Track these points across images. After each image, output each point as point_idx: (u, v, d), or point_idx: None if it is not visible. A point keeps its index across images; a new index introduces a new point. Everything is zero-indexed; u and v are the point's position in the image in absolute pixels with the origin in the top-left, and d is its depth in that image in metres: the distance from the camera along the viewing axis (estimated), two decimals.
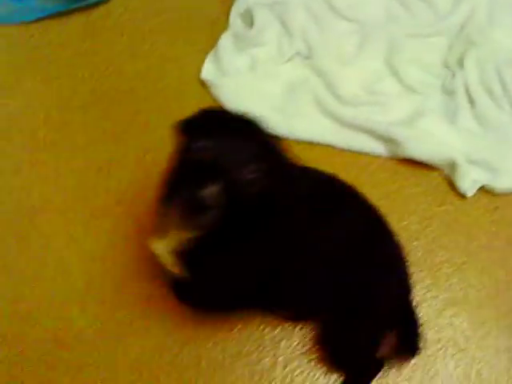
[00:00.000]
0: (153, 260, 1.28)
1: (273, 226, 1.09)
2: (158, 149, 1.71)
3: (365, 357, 1.34)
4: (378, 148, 1.75)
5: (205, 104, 1.79)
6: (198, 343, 1.43)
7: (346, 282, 1.26)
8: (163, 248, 1.16)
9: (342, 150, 1.77)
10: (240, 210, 1.00)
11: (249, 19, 1.98)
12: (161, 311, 1.47)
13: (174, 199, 0.99)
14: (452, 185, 1.73)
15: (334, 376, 1.43)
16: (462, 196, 1.71)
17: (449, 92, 1.85)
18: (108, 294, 1.49)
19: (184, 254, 1.12)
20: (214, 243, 1.05)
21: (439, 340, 1.49)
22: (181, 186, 0.98)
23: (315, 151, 1.75)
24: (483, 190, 1.73)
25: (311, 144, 1.76)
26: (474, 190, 1.70)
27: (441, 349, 1.49)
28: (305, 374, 1.44)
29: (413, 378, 1.45)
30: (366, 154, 1.76)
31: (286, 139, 1.73)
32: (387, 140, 1.72)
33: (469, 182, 1.68)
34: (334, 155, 1.75)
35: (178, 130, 1.11)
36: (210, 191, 0.93)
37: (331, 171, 1.68)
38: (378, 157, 1.77)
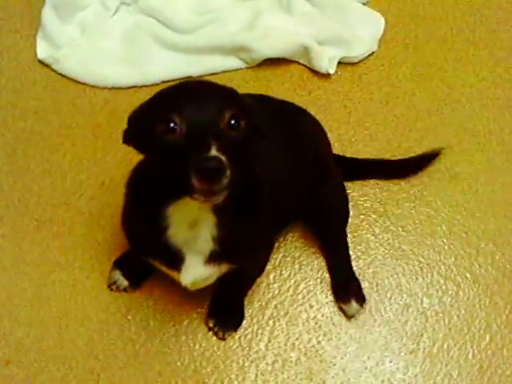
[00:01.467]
0: None
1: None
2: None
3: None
4: (232, 62, 1.83)
5: (54, 85, 1.86)
6: None
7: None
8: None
9: (200, 77, 1.81)
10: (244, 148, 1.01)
11: None
12: None
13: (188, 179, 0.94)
14: (313, 71, 1.83)
15: None
16: (326, 77, 1.82)
17: None
18: None
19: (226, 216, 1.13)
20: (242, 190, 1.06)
21: None
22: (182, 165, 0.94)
23: None
24: (342, 64, 1.85)
25: (168, 82, 1.69)
26: (334, 67, 1.81)
27: None
28: None
29: None
30: (225, 73, 1.83)
31: (140, 87, 1.80)
32: (238, 50, 1.80)
33: (326, 61, 1.78)
34: None
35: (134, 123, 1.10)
36: (215, 147, 0.92)
37: None
38: (236, 71, 1.84)
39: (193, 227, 1.13)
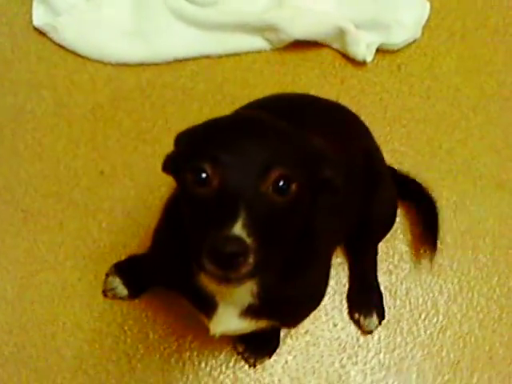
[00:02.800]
0: None
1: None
2: None
3: None
4: (256, 42, 1.75)
5: (50, 56, 1.76)
6: None
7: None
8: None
9: (220, 58, 1.75)
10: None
11: None
12: None
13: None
14: (347, 57, 1.76)
15: None
16: (362, 65, 1.74)
17: None
18: None
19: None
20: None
21: None
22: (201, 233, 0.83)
23: (188, 68, 1.73)
24: (380, 51, 1.77)
25: (182, 61, 1.74)
26: (372, 54, 1.73)
27: None
28: None
29: None
30: (247, 53, 1.76)
31: (149, 64, 1.72)
32: (264, 29, 1.72)
33: (363, 46, 1.70)
34: (213, 66, 1.74)
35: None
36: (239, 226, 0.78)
37: (215, 84, 1.68)
38: (260, 52, 1.76)
39: None
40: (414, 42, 1.82)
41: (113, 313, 1.47)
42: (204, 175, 0.83)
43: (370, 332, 1.48)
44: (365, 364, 1.46)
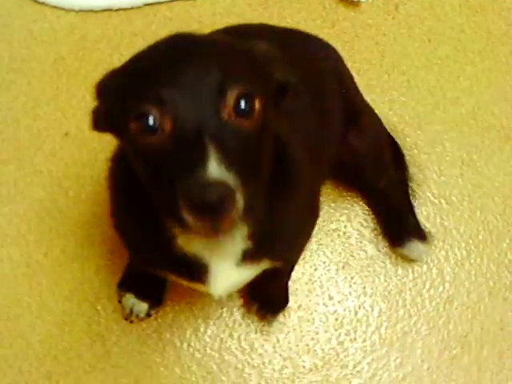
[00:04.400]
0: None
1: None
2: None
3: None
4: None
5: (4, 4, 1.63)
6: None
7: None
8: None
9: (196, 0, 1.64)
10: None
11: None
12: None
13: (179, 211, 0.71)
14: None
15: None
16: (355, 5, 1.64)
17: None
18: None
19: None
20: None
21: None
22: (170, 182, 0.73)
23: (161, 13, 1.62)
24: None
25: (153, 6, 1.63)
26: None
27: None
28: None
29: None
30: None
31: (116, 10, 1.62)
32: None
33: None
34: (188, 10, 1.63)
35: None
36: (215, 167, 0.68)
37: (191, 30, 1.55)
38: None
39: None
40: None
41: (84, 291, 1.40)
42: (152, 121, 0.72)
43: (422, 259, 1.42)
44: (364, 340, 1.39)
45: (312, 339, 1.39)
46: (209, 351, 1.37)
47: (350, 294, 1.42)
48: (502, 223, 1.48)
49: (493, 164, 1.54)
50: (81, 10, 1.63)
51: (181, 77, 0.73)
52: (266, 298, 1.37)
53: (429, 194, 1.51)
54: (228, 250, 0.93)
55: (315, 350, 1.38)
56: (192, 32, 0.84)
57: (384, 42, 1.64)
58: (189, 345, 1.37)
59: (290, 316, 1.39)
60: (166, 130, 0.73)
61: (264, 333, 1.38)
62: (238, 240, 0.91)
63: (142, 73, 0.76)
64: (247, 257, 0.95)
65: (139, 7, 1.62)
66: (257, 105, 0.75)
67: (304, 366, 1.37)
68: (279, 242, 0.99)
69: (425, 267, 1.44)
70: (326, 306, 1.41)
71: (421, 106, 1.58)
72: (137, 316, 1.36)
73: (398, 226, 1.43)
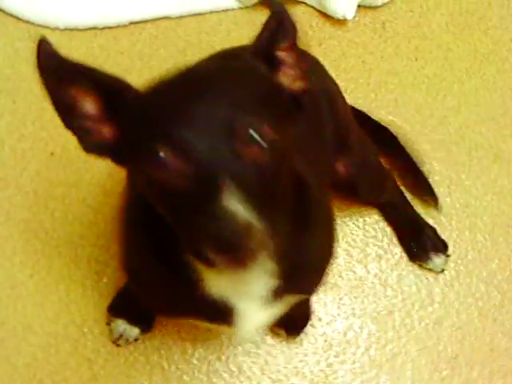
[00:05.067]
0: None
1: None
2: None
3: None
4: (222, 0, 1.64)
5: None
6: None
7: None
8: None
9: (181, 19, 1.64)
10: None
11: None
12: None
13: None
14: (325, 15, 1.66)
15: None
16: (342, 23, 1.64)
17: None
18: None
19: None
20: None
21: None
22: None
23: (146, 31, 1.62)
24: (362, 7, 1.67)
25: (138, 24, 1.63)
26: (353, 11, 1.63)
27: None
28: None
29: None
30: (212, 13, 1.65)
31: (102, 28, 1.61)
32: None
33: (343, 2, 1.59)
34: (173, 28, 1.63)
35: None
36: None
37: (177, 49, 1.56)
38: (226, 11, 1.66)
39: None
40: None
41: (70, 313, 1.38)
42: (161, 156, 0.70)
43: (443, 270, 1.44)
44: (354, 362, 1.38)
45: (301, 361, 1.38)
46: (197, 374, 1.35)
47: (338, 315, 1.41)
48: (490, 243, 1.48)
49: (481, 183, 1.54)
50: (66, 29, 1.62)
51: (191, 116, 0.72)
52: (292, 321, 1.34)
53: None
54: (255, 289, 0.91)
55: (304, 373, 1.37)
56: (200, 62, 0.89)
57: (371, 61, 1.65)
58: (177, 367, 1.36)
59: (279, 338, 1.38)
60: (179, 168, 0.71)
61: (252, 355, 1.36)
62: (264, 278, 0.89)
63: (152, 111, 0.75)
64: (274, 295, 0.92)
65: (125, 25, 1.62)
66: (269, 133, 0.73)
67: None
68: (306, 276, 0.99)
69: (414, 288, 1.43)
70: (315, 328, 1.40)
71: (408, 125, 1.57)
72: (126, 340, 1.34)
73: (416, 238, 1.44)
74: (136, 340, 1.35)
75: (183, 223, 0.73)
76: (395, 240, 1.47)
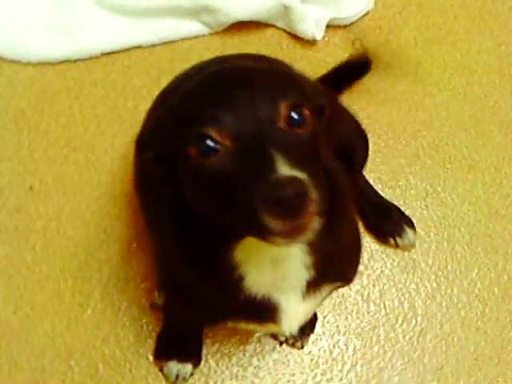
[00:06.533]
0: None
1: None
2: None
3: None
4: (193, 27, 1.65)
5: None
6: None
7: None
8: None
9: (153, 47, 1.66)
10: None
11: None
12: None
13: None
14: (294, 37, 1.68)
15: None
16: (311, 44, 1.67)
17: None
18: None
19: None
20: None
21: None
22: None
23: (119, 62, 1.63)
24: (331, 27, 1.69)
25: (111, 55, 1.63)
26: (322, 31, 1.66)
27: None
28: None
29: None
30: (184, 40, 1.67)
31: (74, 61, 1.62)
32: (199, 11, 1.62)
33: (311, 23, 1.62)
34: (146, 57, 1.65)
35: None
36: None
37: (151, 77, 1.57)
38: (197, 38, 1.68)
39: (276, 264, 0.91)
40: (367, 14, 1.75)
41: (55, 347, 1.37)
42: (211, 142, 0.74)
43: (414, 246, 1.47)
44: (341, 379, 1.38)
45: (288, 381, 1.37)
46: None
47: (323, 333, 1.41)
48: (469, 253, 1.49)
49: (457, 194, 1.55)
50: (39, 63, 1.63)
51: (234, 99, 0.76)
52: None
53: None
54: (293, 283, 0.94)
55: None
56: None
57: None
58: None
59: (265, 359, 1.38)
60: (227, 148, 0.74)
61: (239, 378, 1.36)
62: (301, 271, 0.92)
63: (195, 102, 0.79)
64: (311, 287, 0.96)
65: (97, 57, 1.63)
66: (307, 114, 0.78)
67: None
68: (340, 264, 1.02)
69: (396, 302, 1.44)
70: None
71: (382, 141, 1.59)
72: (183, 379, 1.35)
73: (387, 217, 1.48)
74: (191, 375, 1.35)
75: (234, 202, 0.74)
76: (375, 255, 1.48)
